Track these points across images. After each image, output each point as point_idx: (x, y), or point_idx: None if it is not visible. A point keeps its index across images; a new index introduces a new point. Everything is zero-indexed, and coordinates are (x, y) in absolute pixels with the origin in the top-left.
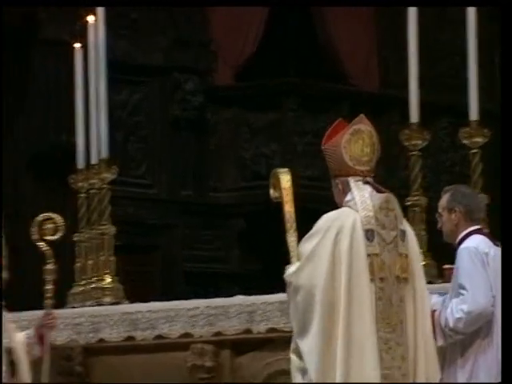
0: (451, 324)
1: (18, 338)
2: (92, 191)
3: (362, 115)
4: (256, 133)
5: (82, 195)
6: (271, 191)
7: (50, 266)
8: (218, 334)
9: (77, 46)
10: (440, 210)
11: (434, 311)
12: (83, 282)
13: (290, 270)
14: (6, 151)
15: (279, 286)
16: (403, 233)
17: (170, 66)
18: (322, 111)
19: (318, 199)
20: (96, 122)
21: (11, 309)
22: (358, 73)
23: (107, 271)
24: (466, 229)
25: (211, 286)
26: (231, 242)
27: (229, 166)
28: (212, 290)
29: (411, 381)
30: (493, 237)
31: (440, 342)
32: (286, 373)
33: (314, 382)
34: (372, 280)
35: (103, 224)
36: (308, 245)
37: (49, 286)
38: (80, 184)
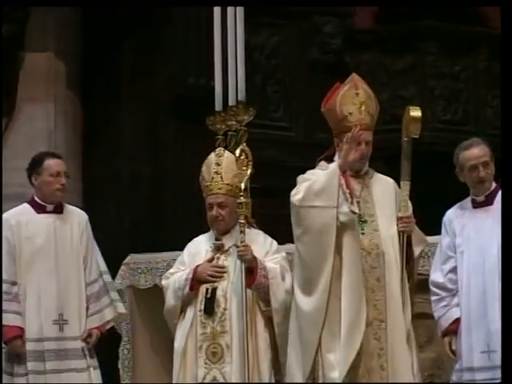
0: None
1: None
2: (229, 133)
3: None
4: (393, 76)
5: (220, 137)
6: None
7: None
8: None
9: None
10: (488, 159)
11: None
12: None
13: None
14: (146, 96)
15: None
16: None
17: (309, 9)
18: (460, 54)
19: (456, 143)
20: (234, 64)
21: None
22: (498, 15)
23: None
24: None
25: None
26: None
27: None
28: None
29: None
30: None
31: None
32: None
33: None
34: None
35: None
36: None
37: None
38: (218, 126)
